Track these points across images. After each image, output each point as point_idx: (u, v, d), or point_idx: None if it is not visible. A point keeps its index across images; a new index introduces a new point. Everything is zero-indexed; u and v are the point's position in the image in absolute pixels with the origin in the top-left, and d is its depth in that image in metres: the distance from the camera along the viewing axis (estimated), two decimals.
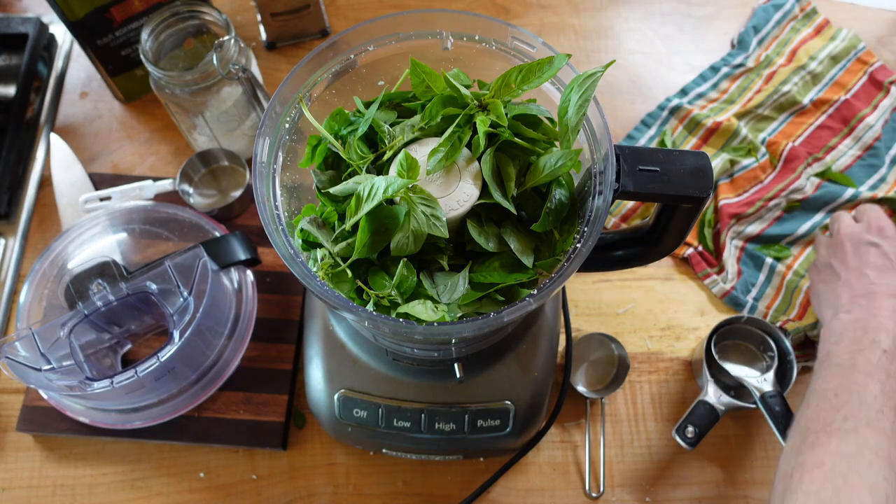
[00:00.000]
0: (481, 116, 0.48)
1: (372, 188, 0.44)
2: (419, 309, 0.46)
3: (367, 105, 0.53)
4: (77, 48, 0.96)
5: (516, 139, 0.48)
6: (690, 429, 0.69)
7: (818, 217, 0.84)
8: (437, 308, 0.46)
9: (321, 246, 0.49)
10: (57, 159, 0.86)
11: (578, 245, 0.46)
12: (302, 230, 0.50)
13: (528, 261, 0.48)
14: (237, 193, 0.81)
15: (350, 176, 0.50)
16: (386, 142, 0.49)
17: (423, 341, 0.60)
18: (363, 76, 0.54)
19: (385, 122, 0.51)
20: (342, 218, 0.50)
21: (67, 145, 0.87)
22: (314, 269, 0.49)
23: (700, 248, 0.83)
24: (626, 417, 0.76)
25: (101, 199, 0.82)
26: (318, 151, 0.52)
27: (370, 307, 0.47)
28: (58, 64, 0.95)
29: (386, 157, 0.49)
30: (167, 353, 0.64)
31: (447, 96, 0.50)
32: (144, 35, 0.73)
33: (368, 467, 0.73)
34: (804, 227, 0.84)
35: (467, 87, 0.51)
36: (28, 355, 0.66)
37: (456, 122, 0.48)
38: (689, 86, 0.93)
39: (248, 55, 0.77)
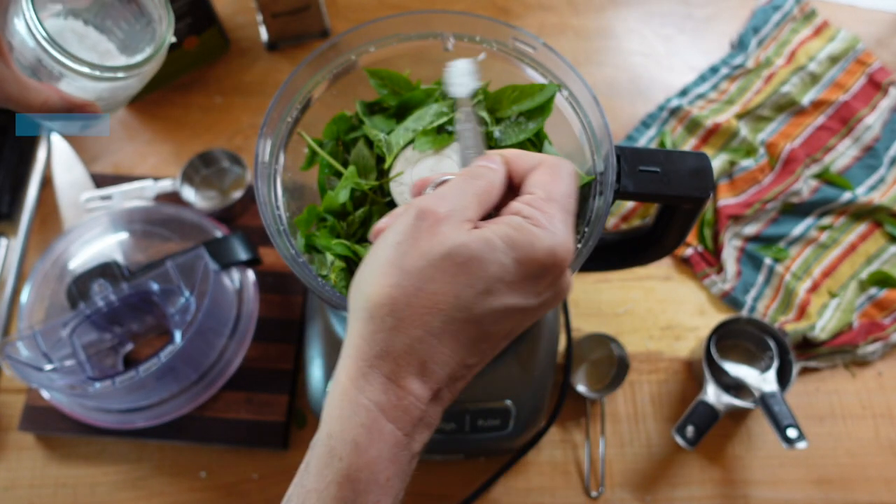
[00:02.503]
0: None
1: None
2: None
3: (368, 107, 0.53)
4: None
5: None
6: (690, 428, 0.69)
7: (811, 219, 0.85)
8: None
9: (328, 250, 0.49)
10: (58, 159, 0.86)
11: (579, 245, 0.46)
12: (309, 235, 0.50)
13: None
14: (238, 194, 0.81)
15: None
16: (384, 150, 0.50)
17: None
18: (364, 77, 0.54)
19: (382, 132, 0.51)
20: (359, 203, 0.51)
21: (69, 145, 0.87)
22: (317, 271, 0.49)
23: (700, 249, 0.83)
24: (626, 417, 0.76)
25: (103, 199, 0.82)
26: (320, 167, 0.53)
27: None
28: None
29: (387, 165, 0.49)
30: (169, 352, 0.64)
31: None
32: None
33: None
34: (798, 228, 0.84)
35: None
36: (30, 355, 0.66)
37: (449, 117, 0.49)
38: (689, 87, 0.93)
39: None
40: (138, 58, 0.46)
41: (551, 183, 0.36)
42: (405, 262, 0.32)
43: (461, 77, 0.47)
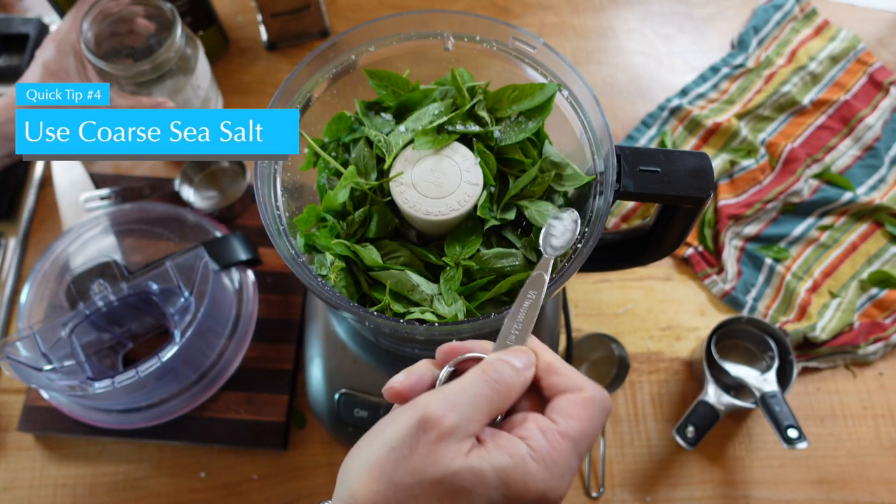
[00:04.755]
0: (471, 123, 0.49)
1: None
2: (430, 316, 0.46)
3: (368, 107, 0.53)
4: None
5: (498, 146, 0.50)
6: (690, 429, 0.69)
7: (812, 219, 0.85)
8: (446, 304, 0.47)
9: (328, 250, 0.49)
10: None
11: (579, 245, 0.46)
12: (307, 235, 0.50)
13: (532, 257, 0.49)
14: (238, 194, 0.81)
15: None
16: (384, 150, 0.50)
17: (424, 342, 0.60)
18: (364, 77, 0.54)
19: (382, 131, 0.51)
20: (359, 204, 0.50)
21: None
22: (317, 271, 0.49)
23: (700, 249, 0.83)
24: (627, 417, 0.76)
25: (102, 199, 0.82)
26: (319, 167, 0.53)
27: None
28: None
29: (387, 165, 0.49)
30: (168, 353, 0.64)
31: (447, 88, 0.51)
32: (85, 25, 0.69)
33: None
34: (799, 228, 0.84)
35: (471, 87, 0.51)
36: (29, 355, 0.66)
37: (448, 117, 0.49)
38: (690, 86, 0.93)
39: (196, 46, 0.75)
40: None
41: (578, 419, 0.34)
42: (396, 473, 0.31)
43: (564, 233, 0.45)
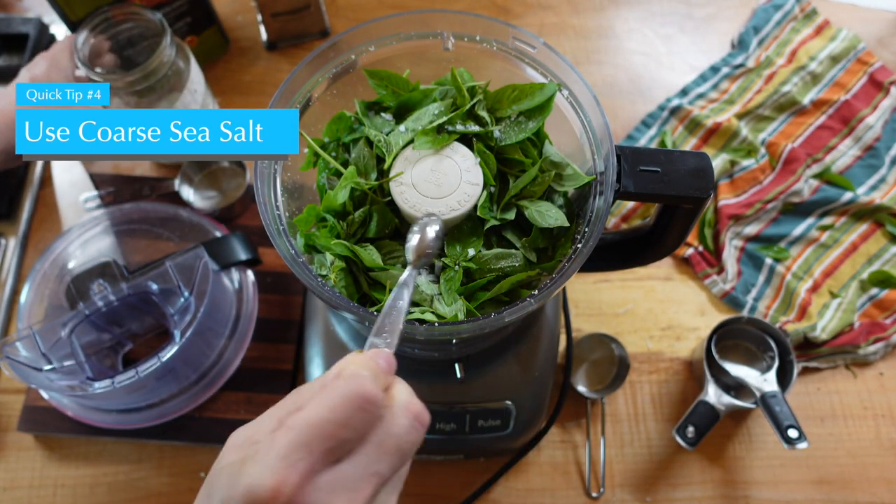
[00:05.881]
0: (471, 123, 0.49)
1: None
2: (430, 316, 0.46)
3: (368, 107, 0.53)
4: None
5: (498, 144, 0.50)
6: (691, 429, 0.69)
7: (812, 219, 0.85)
8: (446, 304, 0.47)
9: (328, 250, 0.49)
10: None
11: (579, 245, 0.46)
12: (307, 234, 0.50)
13: (532, 257, 0.49)
14: (238, 194, 0.81)
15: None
16: (384, 150, 0.50)
17: (424, 342, 0.60)
18: (364, 77, 0.54)
19: (382, 131, 0.51)
20: (359, 204, 0.50)
21: None
22: (317, 271, 0.49)
23: (700, 249, 0.83)
24: (627, 417, 0.76)
25: (102, 199, 0.82)
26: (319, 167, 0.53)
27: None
28: None
29: (387, 165, 0.49)
30: (168, 353, 0.64)
31: (447, 88, 0.51)
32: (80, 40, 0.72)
33: None
34: (799, 228, 0.84)
35: (471, 87, 0.51)
36: (29, 355, 0.66)
37: (448, 117, 0.49)
38: (690, 86, 0.93)
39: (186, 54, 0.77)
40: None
41: (301, 407, 0.31)
42: None
43: (430, 238, 0.45)
